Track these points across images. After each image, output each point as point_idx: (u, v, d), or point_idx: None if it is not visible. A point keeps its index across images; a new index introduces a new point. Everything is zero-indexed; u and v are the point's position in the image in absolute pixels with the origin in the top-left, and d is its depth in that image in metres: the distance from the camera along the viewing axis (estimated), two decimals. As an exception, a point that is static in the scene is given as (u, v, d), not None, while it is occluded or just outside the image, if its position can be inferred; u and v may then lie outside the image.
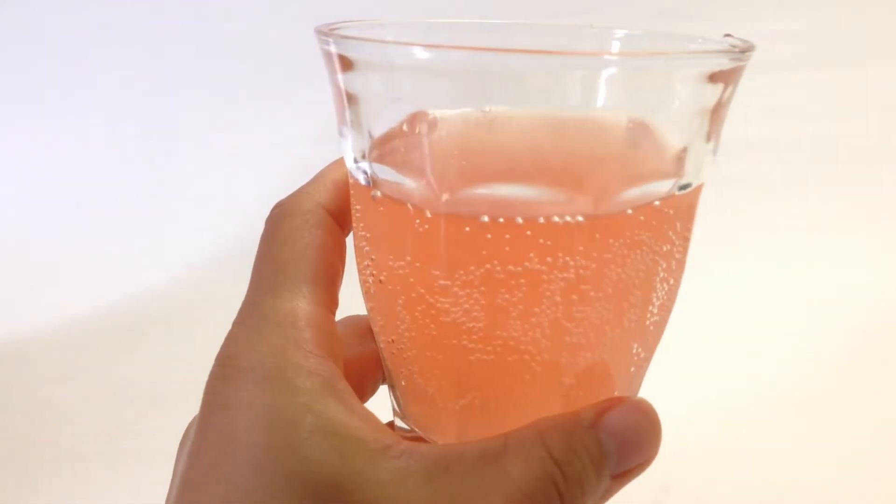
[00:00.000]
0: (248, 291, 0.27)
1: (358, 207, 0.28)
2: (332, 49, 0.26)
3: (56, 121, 1.03)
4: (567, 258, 0.24)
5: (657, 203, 0.25)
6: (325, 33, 0.26)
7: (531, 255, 0.24)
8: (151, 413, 0.68)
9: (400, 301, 0.26)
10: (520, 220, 0.24)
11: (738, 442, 0.59)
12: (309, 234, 0.27)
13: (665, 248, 0.26)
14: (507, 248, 0.24)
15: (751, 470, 0.56)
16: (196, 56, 1.01)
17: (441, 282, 0.25)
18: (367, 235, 0.27)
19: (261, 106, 0.98)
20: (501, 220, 0.24)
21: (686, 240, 0.27)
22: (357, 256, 0.29)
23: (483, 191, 0.24)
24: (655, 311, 0.27)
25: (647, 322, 0.27)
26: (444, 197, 0.24)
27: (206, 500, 0.22)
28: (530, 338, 0.25)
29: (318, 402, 0.23)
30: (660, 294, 0.27)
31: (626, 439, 0.24)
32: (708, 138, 0.26)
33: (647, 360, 0.28)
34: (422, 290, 0.26)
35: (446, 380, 0.27)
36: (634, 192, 0.25)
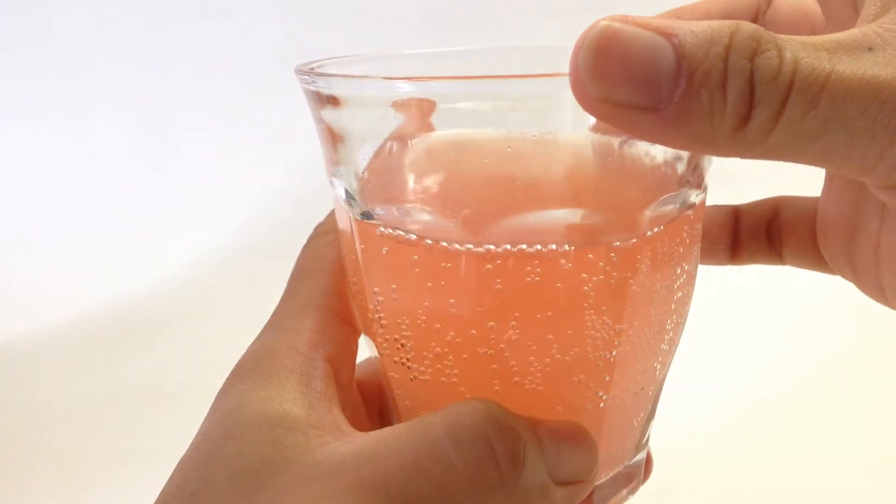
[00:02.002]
0: (279, 302, 0.29)
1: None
2: (316, 89, 0.26)
3: (55, 121, 1.03)
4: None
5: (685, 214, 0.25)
6: (306, 73, 0.26)
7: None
8: (151, 413, 0.68)
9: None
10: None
11: (740, 444, 0.59)
12: (335, 249, 0.29)
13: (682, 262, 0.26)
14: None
15: (752, 473, 0.56)
16: (196, 56, 1.01)
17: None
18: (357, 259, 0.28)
19: (260, 106, 0.98)
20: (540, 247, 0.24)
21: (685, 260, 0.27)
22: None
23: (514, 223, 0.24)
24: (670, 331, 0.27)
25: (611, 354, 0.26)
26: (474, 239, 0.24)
27: (170, 490, 0.23)
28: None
29: (279, 397, 0.24)
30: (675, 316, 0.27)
31: (563, 443, 0.24)
32: None
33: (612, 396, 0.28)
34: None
35: (404, 398, 0.28)
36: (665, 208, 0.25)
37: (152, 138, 1.01)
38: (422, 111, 0.24)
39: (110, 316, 0.83)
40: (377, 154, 0.26)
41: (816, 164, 0.18)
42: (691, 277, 0.28)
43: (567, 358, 0.25)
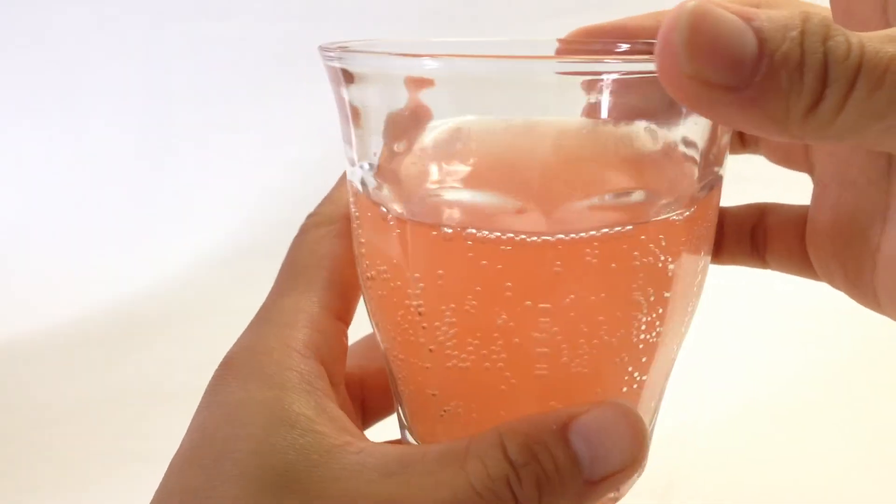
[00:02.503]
0: (268, 294, 0.28)
1: (358, 215, 0.28)
2: (336, 65, 0.26)
3: (55, 121, 1.03)
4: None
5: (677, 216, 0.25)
6: (330, 49, 0.26)
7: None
8: (151, 413, 0.67)
9: (390, 310, 0.27)
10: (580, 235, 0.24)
11: (744, 441, 0.59)
12: (330, 243, 0.29)
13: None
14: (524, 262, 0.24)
15: (757, 470, 0.56)
16: (196, 56, 1.01)
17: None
18: (362, 241, 0.28)
19: (260, 106, 0.98)
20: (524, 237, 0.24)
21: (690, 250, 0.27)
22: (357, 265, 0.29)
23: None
24: (643, 328, 0.26)
25: (635, 340, 0.26)
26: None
27: (172, 487, 0.23)
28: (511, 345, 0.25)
29: (287, 397, 0.24)
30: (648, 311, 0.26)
31: (599, 442, 0.23)
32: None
33: (646, 384, 0.28)
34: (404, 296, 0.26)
35: (430, 387, 0.27)
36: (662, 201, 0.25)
37: (152, 138, 1.01)
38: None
39: (110, 316, 0.83)
40: (397, 145, 0.26)
41: (878, 147, 0.20)
42: (708, 261, 0.28)
43: (614, 340, 0.25)
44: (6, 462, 0.63)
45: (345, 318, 0.29)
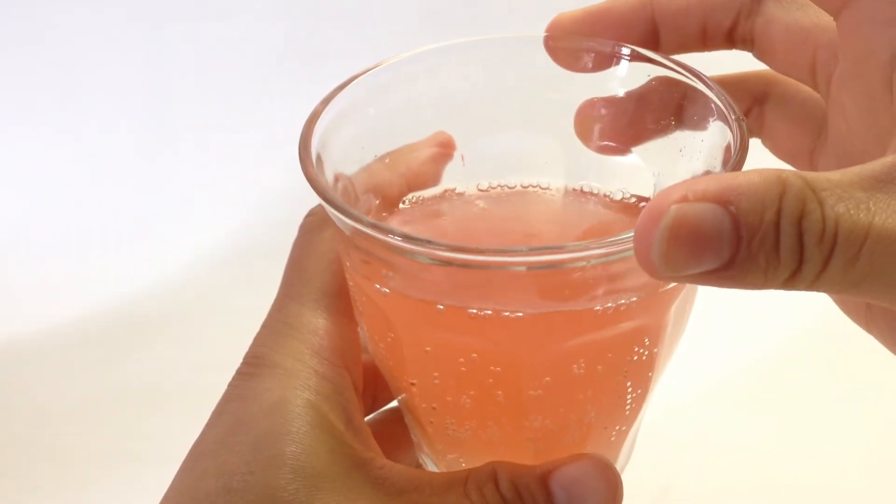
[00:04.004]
0: (277, 296, 0.29)
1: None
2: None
3: (55, 120, 1.02)
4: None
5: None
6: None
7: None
8: (152, 414, 0.67)
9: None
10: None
11: (742, 443, 0.59)
12: (335, 245, 0.29)
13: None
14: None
15: (755, 472, 0.56)
16: (196, 56, 1.01)
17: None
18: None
19: (260, 106, 0.98)
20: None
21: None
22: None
23: None
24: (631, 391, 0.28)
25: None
26: None
27: (206, 467, 0.24)
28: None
29: (323, 404, 0.25)
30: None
31: (576, 492, 0.25)
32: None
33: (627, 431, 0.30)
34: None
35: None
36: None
37: (152, 138, 1.01)
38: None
39: (110, 316, 0.83)
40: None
41: (862, 300, 0.22)
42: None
43: (602, 414, 0.27)
44: (6, 462, 0.63)
45: (354, 320, 0.29)
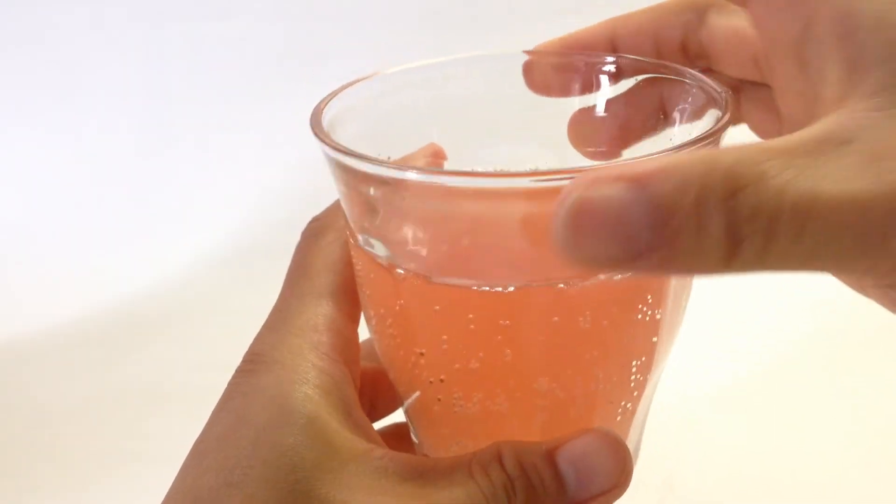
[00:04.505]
0: (279, 297, 0.29)
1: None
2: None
3: (55, 120, 1.03)
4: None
5: None
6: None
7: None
8: (151, 413, 0.68)
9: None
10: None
11: (745, 440, 0.59)
12: (341, 249, 0.30)
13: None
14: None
15: (758, 468, 0.56)
16: (196, 56, 1.01)
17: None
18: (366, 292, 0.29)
19: (260, 106, 0.98)
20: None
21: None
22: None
23: None
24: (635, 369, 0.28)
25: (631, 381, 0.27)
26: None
27: (208, 464, 0.24)
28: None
29: (322, 397, 0.25)
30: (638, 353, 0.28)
31: (584, 466, 0.25)
32: None
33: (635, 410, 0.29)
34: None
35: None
36: None
37: (152, 138, 1.01)
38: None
39: (110, 316, 0.83)
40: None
41: (814, 272, 0.19)
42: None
43: (609, 382, 0.26)
44: (6, 462, 0.63)
45: (356, 319, 0.30)
